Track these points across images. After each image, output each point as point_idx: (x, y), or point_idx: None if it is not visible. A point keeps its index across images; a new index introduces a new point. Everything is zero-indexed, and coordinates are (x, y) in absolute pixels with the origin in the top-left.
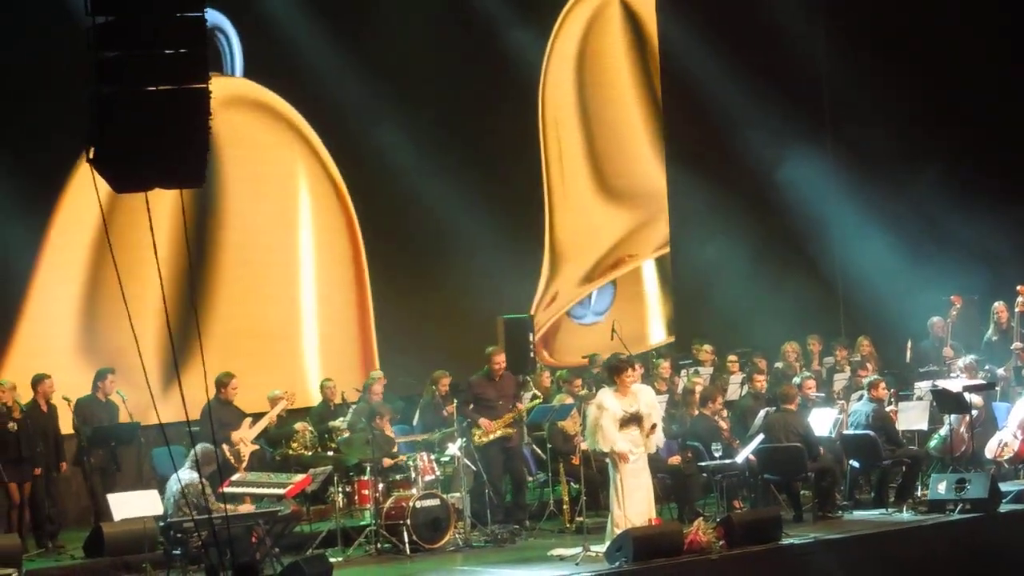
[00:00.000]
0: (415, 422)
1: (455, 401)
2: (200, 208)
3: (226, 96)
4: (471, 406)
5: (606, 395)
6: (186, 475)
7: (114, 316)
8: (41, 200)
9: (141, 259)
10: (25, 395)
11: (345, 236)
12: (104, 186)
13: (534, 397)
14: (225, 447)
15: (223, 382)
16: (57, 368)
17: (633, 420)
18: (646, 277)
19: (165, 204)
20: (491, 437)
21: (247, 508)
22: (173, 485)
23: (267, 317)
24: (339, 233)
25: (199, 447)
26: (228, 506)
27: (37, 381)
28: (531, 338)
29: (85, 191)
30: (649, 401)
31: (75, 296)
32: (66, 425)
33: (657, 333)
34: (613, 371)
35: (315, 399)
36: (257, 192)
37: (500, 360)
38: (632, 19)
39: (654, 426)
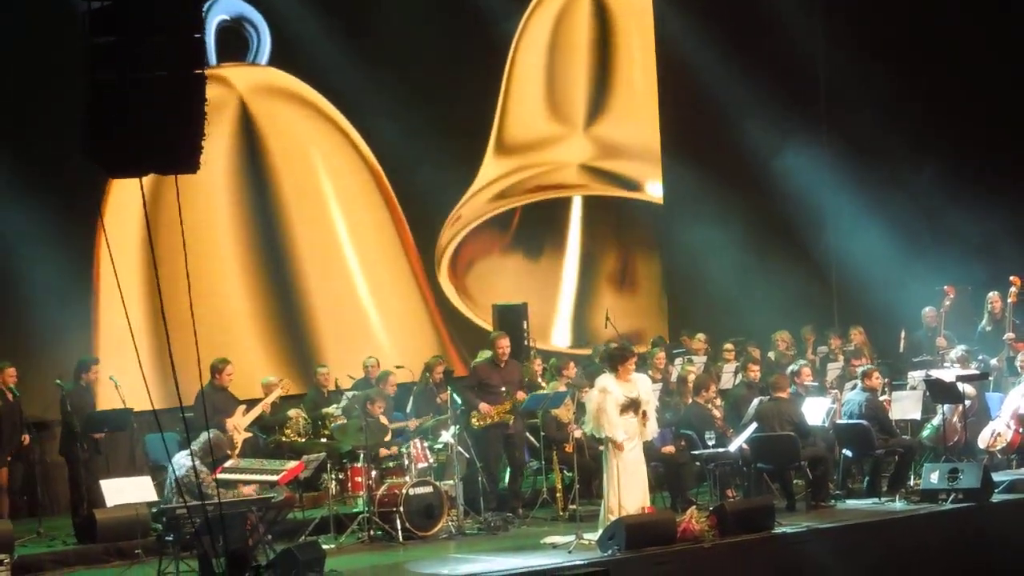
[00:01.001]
0: (408, 409)
1: (449, 388)
2: (238, 198)
3: (255, 84)
4: (474, 391)
5: (608, 380)
6: (184, 459)
7: (108, 300)
8: (40, 184)
9: (133, 243)
10: None
11: (387, 218)
12: None
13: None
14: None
15: (218, 368)
16: (50, 351)
17: (631, 406)
18: (640, 265)
19: (169, 185)
20: (487, 422)
21: (249, 492)
22: (179, 469)
23: (268, 301)
24: (379, 216)
25: (212, 433)
26: (230, 491)
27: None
28: (524, 325)
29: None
30: (646, 389)
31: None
32: (54, 411)
33: (651, 324)
34: (616, 359)
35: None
36: (294, 178)
37: (504, 345)
38: (602, 11)
39: (644, 413)
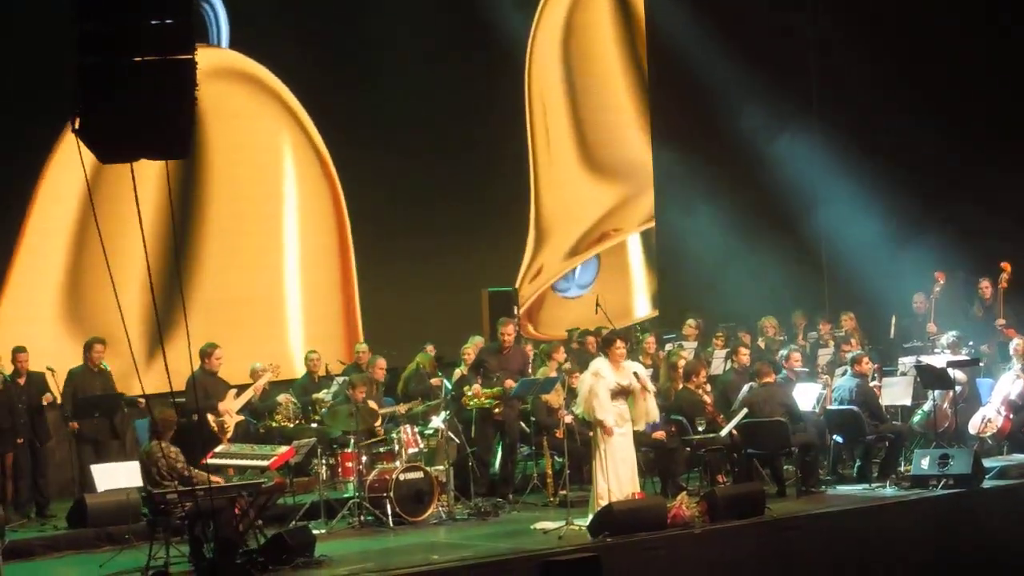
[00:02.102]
0: (399, 392)
1: (440, 373)
2: (185, 179)
3: (212, 67)
4: (475, 372)
5: (602, 364)
6: (150, 445)
7: (99, 286)
8: (26, 170)
9: (126, 229)
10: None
11: (330, 207)
12: (89, 156)
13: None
14: (210, 418)
15: (207, 352)
16: (41, 338)
17: (622, 393)
18: (631, 251)
19: (150, 174)
20: (475, 402)
21: (217, 480)
22: (141, 456)
23: (252, 288)
24: (324, 204)
25: (156, 411)
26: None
27: (16, 352)
28: (515, 311)
29: (70, 161)
30: (641, 373)
31: (60, 266)
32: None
33: (642, 307)
34: (605, 343)
35: (299, 371)
36: (242, 163)
37: (507, 332)
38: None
39: (643, 389)
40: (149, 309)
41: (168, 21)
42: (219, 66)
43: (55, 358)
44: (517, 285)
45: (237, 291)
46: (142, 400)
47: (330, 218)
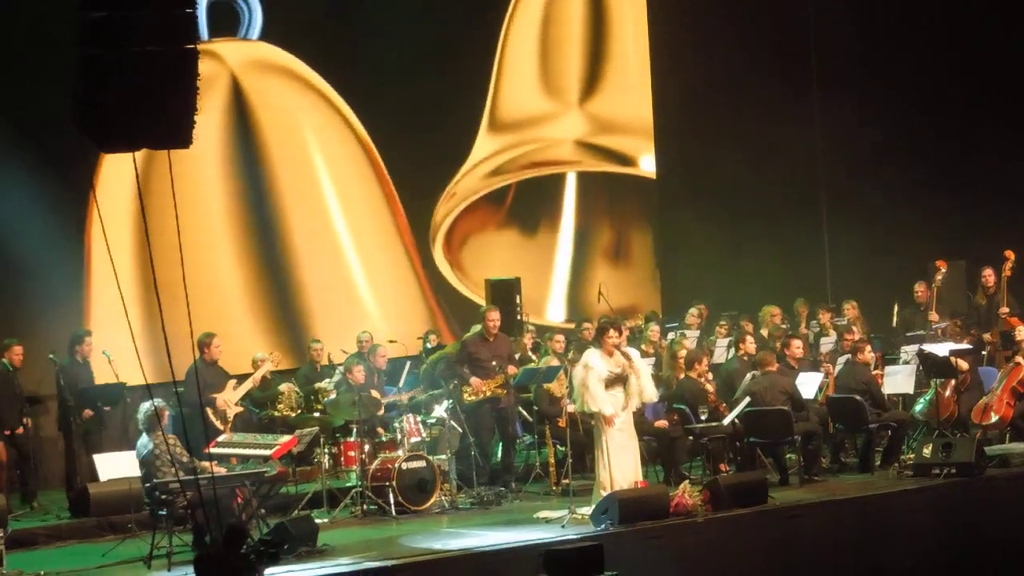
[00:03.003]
0: (402, 383)
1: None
2: (228, 173)
3: (247, 60)
4: (465, 366)
5: (592, 355)
6: (143, 439)
7: (102, 276)
8: (33, 157)
9: (129, 217)
10: None
11: (378, 191)
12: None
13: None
14: (209, 409)
15: (205, 342)
16: (44, 326)
17: (618, 380)
18: (635, 242)
19: (160, 160)
20: (480, 396)
21: (220, 469)
22: (139, 451)
23: (261, 276)
24: (372, 189)
25: (140, 408)
26: (210, 465)
27: (5, 348)
28: (517, 300)
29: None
30: (633, 357)
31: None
32: (47, 386)
33: (642, 298)
34: (598, 332)
35: (301, 360)
36: (290, 156)
37: (494, 318)
38: None
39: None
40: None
41: (171, 12)
42: (255, 58)
43: (57, 348)
44: (435, 210)
45: (243, 277)
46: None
47: (380, 201)
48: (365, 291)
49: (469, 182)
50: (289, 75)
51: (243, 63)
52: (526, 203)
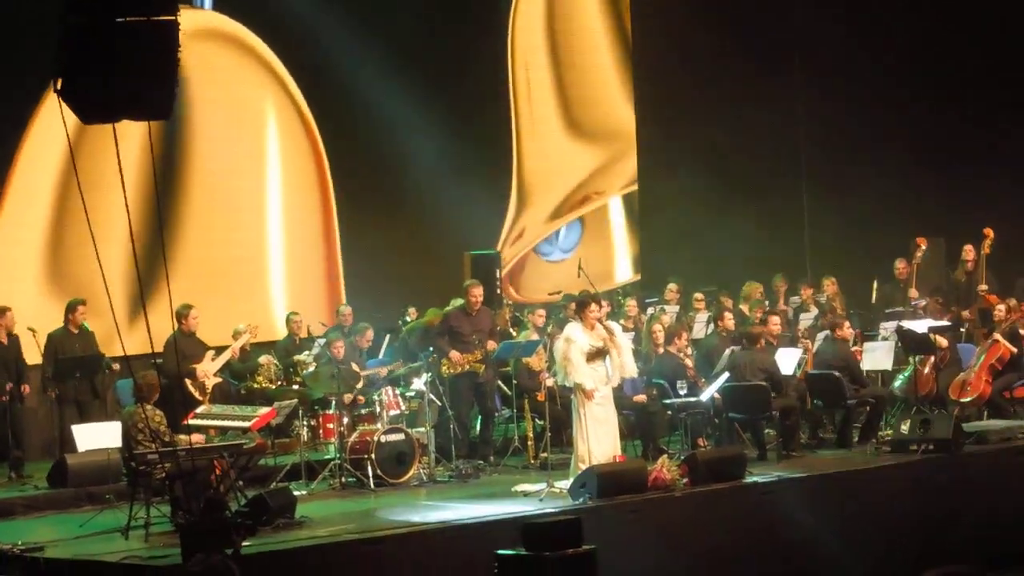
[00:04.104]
0: (382, 354)
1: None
2: (168, 140)
3: (196, 28)
4: (445, 338)
5: (574, 329)
6: (131, 408)
7: (81, 246)
8: (8, 129)
9: (108, 189)
10: None
11: (313, 168)
12: (72, 116)
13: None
14: (188, 380)
15: (182, 314)
16: (23, 298)
17: (599, 354)
18: (613, 215)
19: (133, 134)
20: (458, 370)
21: (199, 439)
22: (124, 419)
23: (235, 248)
24: (307, 165)
25: (139, 375)
26: (188, 437)
27: None
28: (498, 274)
29: (53, 120)
30: (616, 332)
31: (42, 226)
32: (32, 355)
33: (623, 271)
34: (579, 306)
35: (281, 333)
36: (225, 124)
37: (477, 294)
38: None
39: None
40: (131, 270)
41: None
42: (203, 27)
43: (37, 319)
44: (499, 248)
45: (221, 251)
46: (116, 366)
47: (313, 179)
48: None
49: (533, 224)
50: (237, 45)
51: (190, 32)
52: None
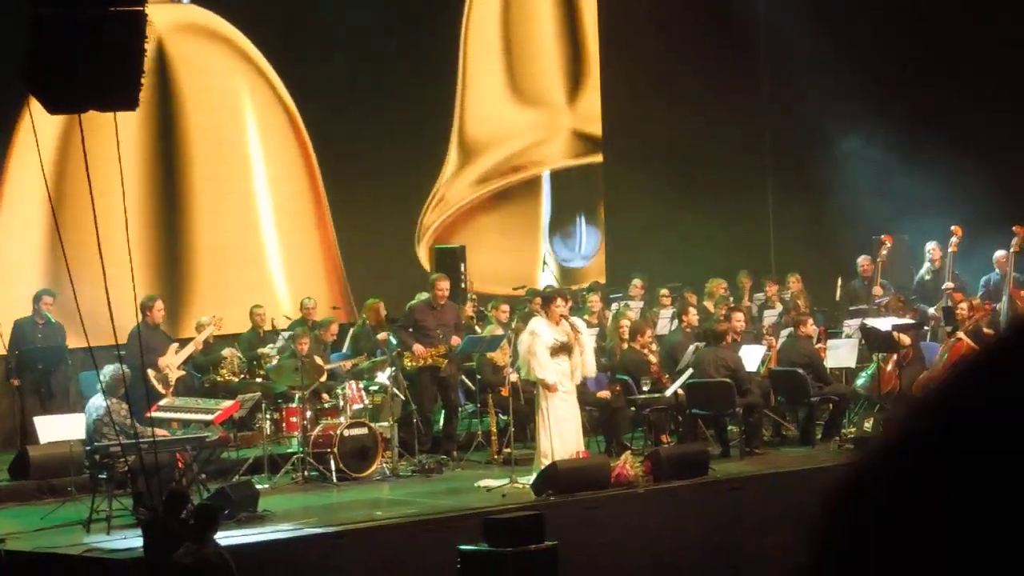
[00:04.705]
0: (345, 349)
1: (388, 328)
2: (157, 133)
3: (176, 23)
4: (410, 331)
5: (538, 323)
6: (99, 400)
7: (51, 235)
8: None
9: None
10: None
11: (299, 158)
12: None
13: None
14: (151, 372)
15: (147, 305)
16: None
17: (563, 349)
18: (544, 192)
19: (126, 124)
20: (420, 363)
21: (163, 433)
22: (91, 412)
23: (230, 238)
24: (293, 156)
25: (106, 370)
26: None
27: None
28: (462, 268)
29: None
30: (581, 330)
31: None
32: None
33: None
34: (545, 301)
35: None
36: (208, 120)
37: (443, 287)
38: None
39: (578, 351)
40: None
41: None
42: (183, 22)
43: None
44: (421, 215)
45: (218, 241)
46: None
47: (300, 168)
48: (306, 259)
49: (457, 188)
50: (218, 40)
51: (171, 26)
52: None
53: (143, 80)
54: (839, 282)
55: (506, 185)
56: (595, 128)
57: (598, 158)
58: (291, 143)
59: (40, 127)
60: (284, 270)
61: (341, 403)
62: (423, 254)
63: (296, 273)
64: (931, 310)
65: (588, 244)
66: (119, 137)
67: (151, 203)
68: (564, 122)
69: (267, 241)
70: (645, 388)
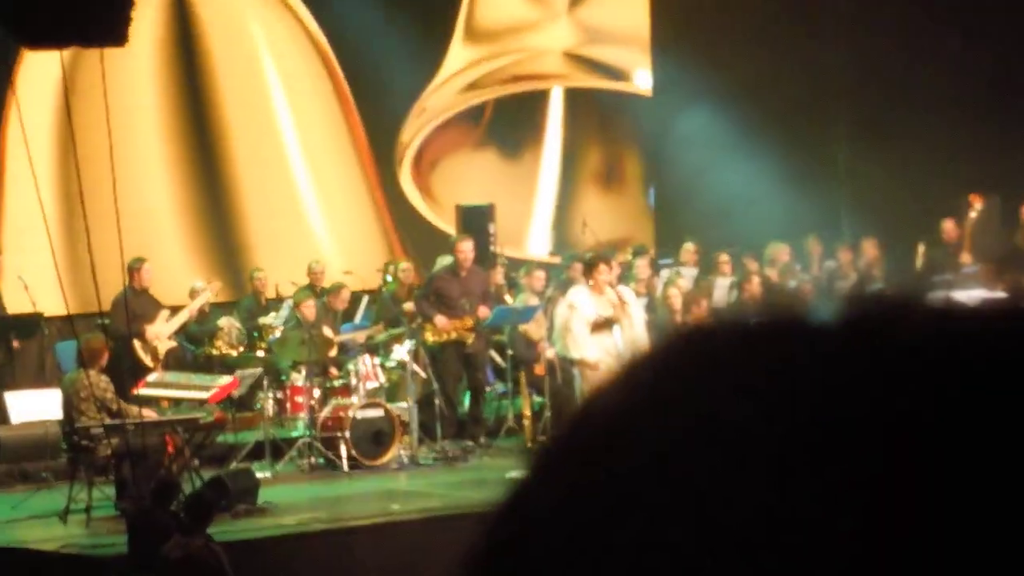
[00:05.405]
0: (358, 319)
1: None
2: (166, 79)
3: None
4: (431, 300)
5: (579, 293)
6: (73, 374)
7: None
8: None
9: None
10: None
11: (336, 106)
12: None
13: None
14: (138, 343)
15: (135, 268)
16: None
17: (607, 325)
18: (551, 115)
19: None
20: (443, 338)
21: (150, 414)
22: (68, 387)
23: (261, 196)
24: (326, 102)
25: (83, 339)
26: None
27: None
28: (491, 228)
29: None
30: (629, 300)
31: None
32: None
33: (541, 219)
34: (587, 267)
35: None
36: (229, 60)
37: (466, 249)
38: None
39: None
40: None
41: None
42: None
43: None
44: (403, 128)
45: (246, 199)
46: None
47: (336, 114)
48: (315, 216)
49: (443, 97)
50: None
51: None
52: (506, 122)
53: (133, 13)
54: (920, 249)
55: (501, 95)
56: (600, 53)
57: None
58: (324, 85)
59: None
60: (328, 229)
61: (353, 381)
62: (405, 177)
63: (343, 232)
64: None
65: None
66: (129, 77)
67: (179, 151)
68: (565, 31)
69: (305, 196)
70: None
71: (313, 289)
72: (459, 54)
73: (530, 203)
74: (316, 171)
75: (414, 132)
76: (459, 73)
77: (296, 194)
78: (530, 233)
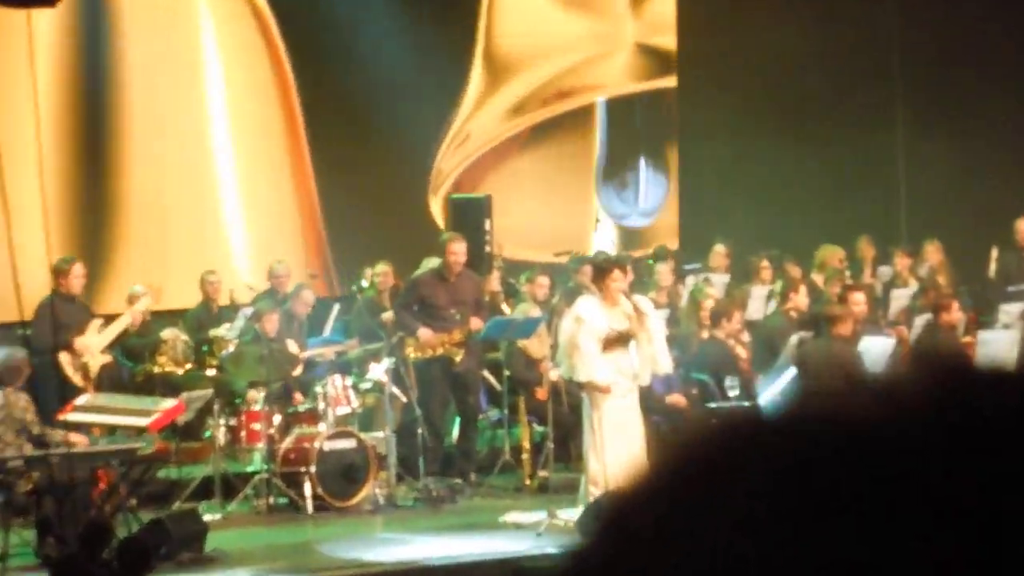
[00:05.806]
0: (328, 332)
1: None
2: (88, 56)
3: None
4: (413, 310)
5: (587, 304)
6: None
7: None
8: None
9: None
10: None
11: (272, 84)
12: None
13: None
14: (66, 357)
15: (61, 270)
16: None
17: (621, 340)
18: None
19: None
20: (427, 354)
21: (82, 440)
22: None
23: (181, 187)
24: (262, 80)
25: (2, 353)
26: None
27: None
28: (487, 225)
29: None
30: (647, 311)
31: None
32: None
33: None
34: (598, 272)
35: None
36: (149, 26)
37: (457, 251)
38: None
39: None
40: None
41: None
42: None
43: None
44: (438, 158)
45: (163, 191)
46: None
47: (271, 92)
48: (236, 211)
49: (483, 122)
50: None
51: None
52: (550, 142)
53: None
54: (994, 254)
55: (548, 116)
56: (667, 41)
57: (671, 81)
58: (261, 57)
59: None
60: (247, 230)
61: (321, 405)
62: (437, 208)
63: (263, 235)
64: None
65: (651, 195)
66: (30, 42)
67: (69, 141)
68: (626, 33)
69: (224, 192)
70: (731, 392)
71: (275, 297)
72: (485, 77)
73: (533, 196)
74: (246, 164)
75: (459, 160)
76: (494, 94)
77: (294, 187)
78: (532, 231)
